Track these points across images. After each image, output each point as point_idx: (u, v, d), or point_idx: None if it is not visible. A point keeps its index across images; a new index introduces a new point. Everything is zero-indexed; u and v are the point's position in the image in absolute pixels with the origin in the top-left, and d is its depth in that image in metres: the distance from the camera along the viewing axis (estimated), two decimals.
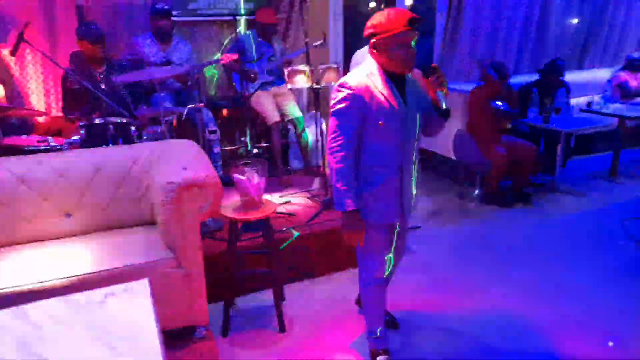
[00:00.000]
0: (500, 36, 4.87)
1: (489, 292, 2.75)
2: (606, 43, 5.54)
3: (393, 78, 1.86)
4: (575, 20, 5.31)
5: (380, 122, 1.82)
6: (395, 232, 2.07)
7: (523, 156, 3.88)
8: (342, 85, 1.83)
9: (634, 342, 2.29)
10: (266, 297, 2.69)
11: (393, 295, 2.40)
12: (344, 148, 1.82)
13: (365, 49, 3.67)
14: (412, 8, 4.85)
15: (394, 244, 2.07)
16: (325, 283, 2.87)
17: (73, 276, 1.94)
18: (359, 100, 1.80)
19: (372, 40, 1.83)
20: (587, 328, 2.41)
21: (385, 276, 2.08)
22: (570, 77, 4.92)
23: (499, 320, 2.49)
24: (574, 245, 3.29)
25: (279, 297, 2.45)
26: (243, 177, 2.31)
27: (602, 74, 5.45)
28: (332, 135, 1.84)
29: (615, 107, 4.69)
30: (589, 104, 4.66)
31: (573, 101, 4.51)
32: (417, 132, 1.93)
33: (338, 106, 1.83)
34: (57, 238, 2.30)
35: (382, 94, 1.82)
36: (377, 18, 1.82)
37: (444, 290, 2.78)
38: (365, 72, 1.85)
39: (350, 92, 1.80)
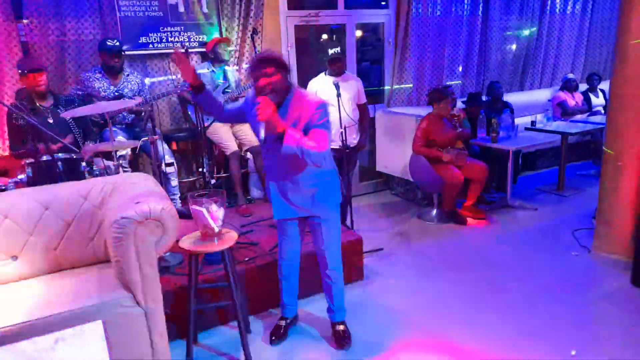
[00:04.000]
0: (445, 63, 5.13)
1: (453, 310, 2.79)
2: (544, 65, 5.92)
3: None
4: (514, 46, 5.67)
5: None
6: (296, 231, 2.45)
7: (475, 175, 4.03)
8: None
9: (591, 352, 2.37)
10: (232, 330, 2.61)
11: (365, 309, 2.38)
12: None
13: (320, 77, 3.80)
14: (362, 38, 5.04)
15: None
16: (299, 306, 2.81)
17: (20, 323, 1.81)
18: None
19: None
20: (549, 339, 2.48)
21: (282, 262, 2.50)
22: (513, 98, 5.22)
23: (465, 334, 2.52)
24: (530, 257, 3.41)
25: (245, 330, 2.38)
26: (201, 208, 2.27)
27: (542, 95, 5.81)
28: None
29: (557, 124, 4.98)
30: (533, 122, 4.93)
31: (517, 120, 4.76)
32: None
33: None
34: (3, 283, 2.16)
35: None
36: None
37: (408, 312, 2.79)
38: None
39: None
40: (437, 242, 3.77)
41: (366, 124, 3.96)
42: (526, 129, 4.82)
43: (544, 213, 4.27)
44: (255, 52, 3.63)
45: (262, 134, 2.24)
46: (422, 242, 3.79)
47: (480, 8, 5.19)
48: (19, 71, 3.05)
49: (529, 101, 5.63)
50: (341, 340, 2.49)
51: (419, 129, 4.02)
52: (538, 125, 4.88)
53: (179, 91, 3.78)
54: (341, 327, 2.53)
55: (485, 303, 2.83)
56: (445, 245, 3.69)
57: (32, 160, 2.66)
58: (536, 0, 5.61)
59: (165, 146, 3.60)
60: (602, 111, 5.54)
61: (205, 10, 4.00)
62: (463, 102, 4.73)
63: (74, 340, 1.37)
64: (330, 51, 3.87)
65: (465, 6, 5.09)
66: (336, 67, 3.76)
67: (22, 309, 1.90)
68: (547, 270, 3.21)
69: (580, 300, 2.82)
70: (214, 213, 2.27)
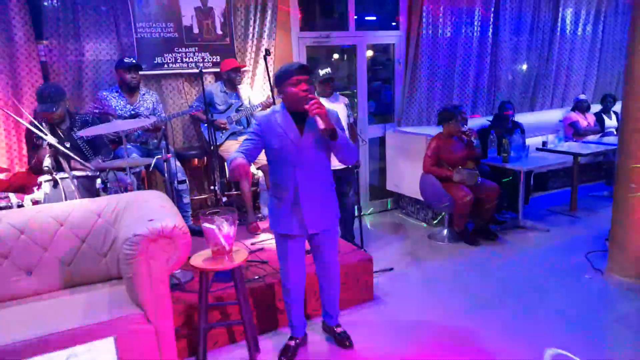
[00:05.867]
0: (456, 83, 5.16)
1: (464, 331, 2.75)
2: (554, 86, 5.93)
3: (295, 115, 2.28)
4: (524, 67, 5.70)
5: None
6: (302, 244, 2.45)
7: (486, 195, 4.02)
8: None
9: None
10: (241, 349, 2.60)
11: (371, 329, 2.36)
12: None
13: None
14: (373, 59, 5.10)
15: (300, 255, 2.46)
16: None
17: (33, 338, 1.83)
18: None
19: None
20: None
21: (290, 285, 2.47)
22: (524, 118, 5.22)
23: (476, 355, 2.49)
24: (542, 279, 3.37)
25: (253, 349, 2.38)
26: (212, 226, 2.29)
27: (553, 115, 5.80)
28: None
29: (569, 145, 4.96)
30: (544, 143, 4.92)
31: (528, 141, 4.76)
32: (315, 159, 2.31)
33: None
34: (18, 297, 2.19)
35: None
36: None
37: (419, 333, 2.76)
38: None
39: None
40: (448, 262, 3.74)
41: (356, 143, 3.89)
42: (537, 149, 4.81)
43: (556, 234, 4.22)
44: (268, 72, 3.70)
45: (290, 138, 2.26)
46: (432, 262, 3.77)
47: (491, 29, 5.24)
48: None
49: (539, 122, 5.63)
50: (348, 340, 2.63)
51: (429, 149, 4.04)
52: (549, 146, 4.87)
53: (193, 111, 3.86)
54: (341, 328, 2.68)
55: (496, 325, 2.79)
56: (456, 266, 3.66)
57: (48, 177, 2.71)
58: (546, 21, 5.66)
59: (178, 164, 3.65)
60: (615, 132, 5.51)
61: (219, 31, 4.10)
62: (489, 121, 4.74)
63: (86, 356, 1.38)
64: (321, 72, 3.60)
65: (476, 27, 5.14)
66: (328, 88, 3.66)
67: (35, 323, 1.93)
68: (559, 292, 3.16)
69: (593, 323, 2.78)
70: (225, 231, 2.29)
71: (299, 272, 2.49)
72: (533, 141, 5.04)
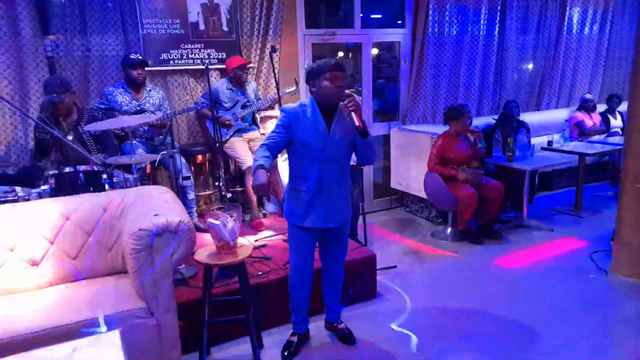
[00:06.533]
0: (461, 81, 5.14)
1: (467, 330, 2.76)
2: (560, 85, 5.91)
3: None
4: (530, 66, 5.68)
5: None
6: (316, 239, 2.45)
7: (491, 194, 4.01)
8: None
9: None
10: (244, 345, 2.61)
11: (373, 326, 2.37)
12: None
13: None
14: (379, 57, 5.09)
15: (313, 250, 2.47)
16: None
17: (38, 330, 1.85)
18: None
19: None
20: None
21: (298, 278, 2.47)
22: (529, 117, 5.20)
23: (478, 354, 2.49)
24: (546, 279, 3.36)
25: (257, 345, 2.39)
26: (217, 222, 2.30)
27: (559, 115, 5.77)
28: None
29: (574, 145, 4.94)
30: (549, 142, 4.90)
31: (533, 140, 4.74)
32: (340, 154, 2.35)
33: None
34: (24, 290, 2.21)
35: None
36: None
37: (421, 331, 2.77)
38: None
39: None
40: (451, 261, 3.74)
41: None
42: (542, 148, 4.79)
43: (560, 234, 4.21)
44: (274, 69, 3.70)
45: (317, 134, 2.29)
46: (436, 260, 3.77)
47: (497, 28, 5.22)
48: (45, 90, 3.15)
49: (545, 121, 5.61)
50: (351, 337, 2.66)
51: (435, 147, 4.03)
52: (555, 145, 4.85)
53: (199, 108, 3.87)
54: (343, 325, 2.71)
55: (499, 324, 2.79)
56: (460, 264, 3.66)
57: (55, 171, 2.73)
58: (553, 20, 5.63)
59: (183, 160, 3.66)
60: (620, 132, 5.48)
61: (225, 28, 4.10)
62: (494, 119, 4.73)
63: (92, 349, 1.39)
64: None
65: (482, 26, 5.12)
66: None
67: (40, 316, 1.95)
68: (563, 292, 3.16)
69: (597, 323, 2.77)
70: (229, 227, 2.30)
71: (308, 265, 2.50)
72: (538, 140, 5.02)
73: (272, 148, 2.26)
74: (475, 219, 4.18)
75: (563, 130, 5.56)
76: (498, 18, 5.19)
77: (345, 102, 2.19)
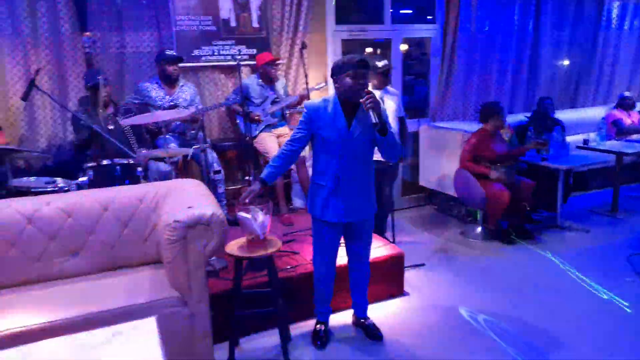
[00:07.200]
0: (493, 78, 5.03)
1: (494, 329, 2.71)
2: (598, 82, 5.72)
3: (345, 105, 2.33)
4: (566, 62, 5.51)
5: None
6: (338, 233, 2.48)
7: (522, 193, 3.92)
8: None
9: None
10: (272, 337, 2.65)
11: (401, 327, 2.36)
12: None
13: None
14: (408, 53, 5.04)
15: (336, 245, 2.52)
16: (331, 321, 2.83)
17: (79, 315, 1.92)
18: None
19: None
20: None
21: (321, 270, 2.53)
22: (564, 115, 5.05)
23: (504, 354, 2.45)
24: (580, 281, 3.27)
25: (285, 337, 2.42)
26: (248, 216, 2.33)
27: (595, 113, 5.59)
28: None
29: (611, 144, 4.78)
30: (585, 141, 4.75)
31: (568, 139, 4.61)
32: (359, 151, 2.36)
33: None
34: (64, 277, 2.30)
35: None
36: None
37: (448, 331, 2.74)
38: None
39: None
40: (481, 260, 3.68)
41: (405, 137, 3.93)
42: (578, 147, 4.66)
43: (595, 235, 4.09)
44: (304, 65, 3.71)
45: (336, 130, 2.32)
46: (465, 259, 3.72)
47: (531, 24, 5.09)
48: (85, 84, 3.26)
49: (581, 119, 5.44)
50: (378, 332, 2.65)
51: (468, 144, 3.96)
52: (591, 144, 4.70)
53: (230, 104, 3.92)
54: (370, 321, 2.72)
55: (529, 326, 2.73)
56: (489, 264, 3.60)
57: (93, 163, 2.82)
58: (590, 14, 5.44)
59: (214, 154, 3.72)
60: None
61: (255, 25, 4.14)
62: (526, 116, 4.63)
63: (130, 334, 1.44)
64: (379, 63, 3.57)
65: (515, 21, 5.00)
66: (386, 80, 3.67)
67: (80, 302, 2.02)
68: (597, 294, 3.06)
69: (633, 329, 2.68)
70: (260, 221, 2.34)
71: (330, 258, 2.53)
72: (574, 139, 4.88)
73: (294, 146, 2.40)
74: (506, 218, 4.10)
75: (600, 128, 5.39)
76: (532, 12, 5.06)
77: (364, 99, 2.20)
